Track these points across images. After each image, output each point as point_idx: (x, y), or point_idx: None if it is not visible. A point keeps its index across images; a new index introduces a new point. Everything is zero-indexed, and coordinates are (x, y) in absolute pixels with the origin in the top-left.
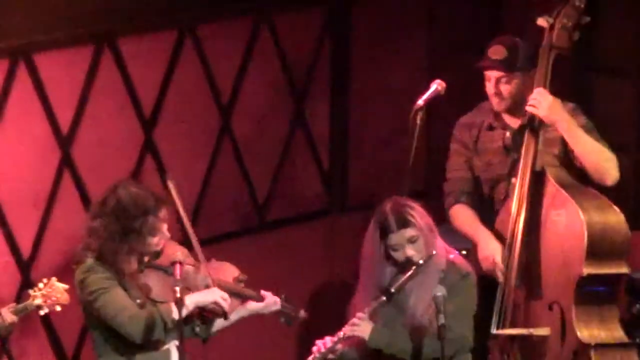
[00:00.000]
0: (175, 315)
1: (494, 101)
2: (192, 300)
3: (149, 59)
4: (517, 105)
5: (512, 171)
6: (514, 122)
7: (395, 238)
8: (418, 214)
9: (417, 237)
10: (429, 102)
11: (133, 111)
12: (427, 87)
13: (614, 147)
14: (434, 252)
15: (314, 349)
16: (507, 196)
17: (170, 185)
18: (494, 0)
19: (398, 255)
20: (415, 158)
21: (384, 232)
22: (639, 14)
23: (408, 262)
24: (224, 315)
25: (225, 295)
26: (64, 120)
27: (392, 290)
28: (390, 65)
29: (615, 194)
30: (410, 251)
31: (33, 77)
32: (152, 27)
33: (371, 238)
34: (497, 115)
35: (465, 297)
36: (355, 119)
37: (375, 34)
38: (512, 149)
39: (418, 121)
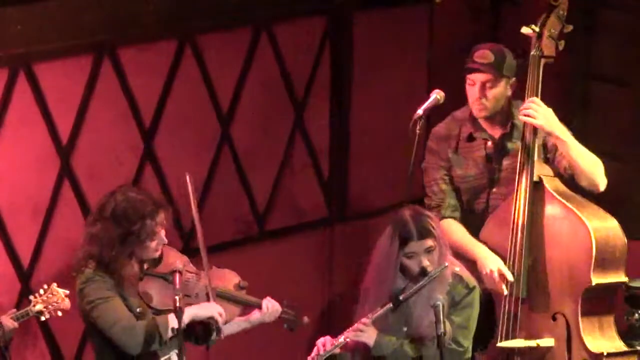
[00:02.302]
0: (175, 324)
1: (476, 107)
2: (189, 314)
3: (149, 69)
4: (497, 112)
5: (494, 181)
6: (494, 132)
7: (414, 246)
8: (436, 225)
9: (434, 248)
10: (429, 112)
11: (133, 120)
12: (426, 97)
13: (613, 156)
14: (446, 264)
15: (314, 349)
16: (488, 205)
17: (188, 182)
18: (493, 9)
19: (412, 264)
20: (414, 167)
21: (404, 240)
22: (636, 22)
23: (421, 272)
24: (218, 331)
25: (222, 311)
26: (64, 129)
27: (401, 298)
28: (391, 74)
29: (612, 203)
30: (425, 261)
31: (33, 87)
32: (151, 37)
33: (387, 244)
34: (476, 125)
35: (472, 311)
36: (355, 128)
37: (375, 43)
38: (494, 158)
39: (417, 130)
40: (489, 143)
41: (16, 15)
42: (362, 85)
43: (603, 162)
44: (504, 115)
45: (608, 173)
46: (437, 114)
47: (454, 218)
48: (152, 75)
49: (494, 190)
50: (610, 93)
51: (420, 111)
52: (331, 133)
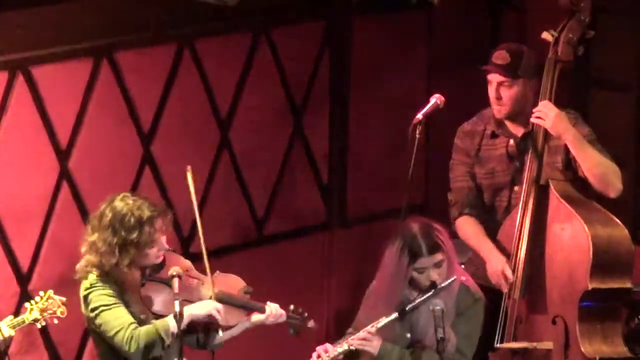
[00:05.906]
0: (174, 329)
1: (495, 107)
2: (186, 314)
3: (148, 73)
4: (517, 113)
5: (515, 179)
6: (517, 130)
7: (424, 262)
8: (444, 238)
9: (443, 262)
10: (428, 116)
11: (131, 125)
12: (426, 101)
13: (613, 160)
14: (454, 278)
15: (314, 354)
16: (510, 204)
17: (189, 176)
18: (493, 14)
19: (422, 278)
20: (414, 172)
21: (413, 255)
22: (637, 28)
23: (431, 286)
24: (217, 328)
25: (220, 307)
26: (63, 133)
27: (407, 309)
28: (390, 78)
29: (614, 208)
30: (434, 275)
31: (32, 90)
32: (151, 41)
33: (396, 258)
34: (499, 123)
35: (477, 321)
36: (354, 133)
37: (374, 48)
38: (516, 157)
39: (417, 135)
40: (511, 141)
41: (15, 19)
42: (361, 90)
43: None
44: (527, 115)
45: None
46: (437, 118)
47: (471, 216)
48: (151, 79)
49: (515, 189)
50: (612, 98)
51: (419, 116)
52: (330, 138)
